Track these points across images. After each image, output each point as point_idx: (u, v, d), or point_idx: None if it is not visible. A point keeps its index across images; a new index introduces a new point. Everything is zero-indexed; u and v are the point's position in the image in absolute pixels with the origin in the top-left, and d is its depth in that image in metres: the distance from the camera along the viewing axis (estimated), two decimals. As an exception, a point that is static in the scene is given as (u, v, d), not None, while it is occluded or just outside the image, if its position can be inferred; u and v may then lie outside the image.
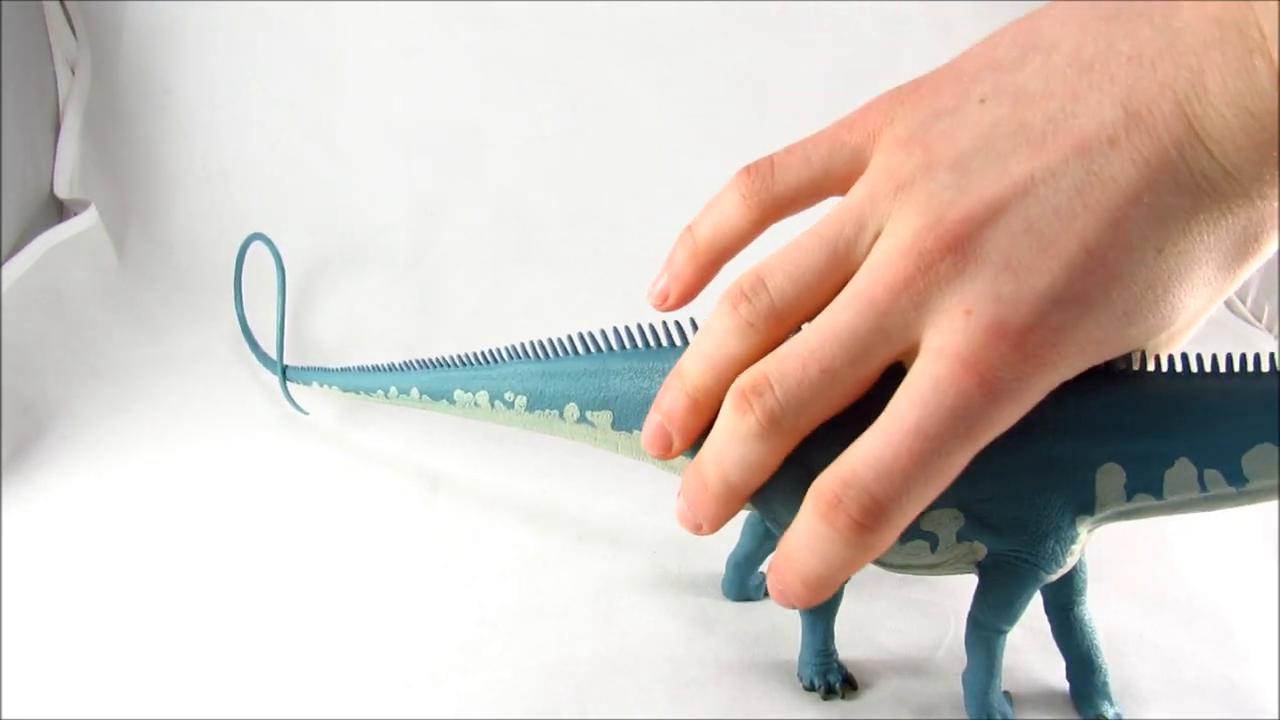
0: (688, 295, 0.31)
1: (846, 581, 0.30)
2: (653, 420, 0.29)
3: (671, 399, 0.29)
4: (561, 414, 0.34)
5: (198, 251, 0.64)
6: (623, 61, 0.68)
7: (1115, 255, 0.23)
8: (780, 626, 0.36)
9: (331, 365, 0.46)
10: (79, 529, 0.43)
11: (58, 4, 0.64)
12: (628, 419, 0.33)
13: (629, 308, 0.39)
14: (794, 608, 0.28)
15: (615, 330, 0.33)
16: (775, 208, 0.29)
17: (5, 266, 0.54)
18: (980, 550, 0.29)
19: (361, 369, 0.43)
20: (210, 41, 0.65)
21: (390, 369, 0.41)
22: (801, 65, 0.69)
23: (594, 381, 0.33)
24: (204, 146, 0.66)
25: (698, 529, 0.29)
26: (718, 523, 0.29)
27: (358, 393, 0.43)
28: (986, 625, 0.31)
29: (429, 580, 0.40)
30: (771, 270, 0.27)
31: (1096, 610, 0.32)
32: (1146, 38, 0.23)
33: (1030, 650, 0.35)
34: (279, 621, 0.37)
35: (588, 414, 0.34)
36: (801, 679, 0.34)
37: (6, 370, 0.51)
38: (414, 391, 0.39)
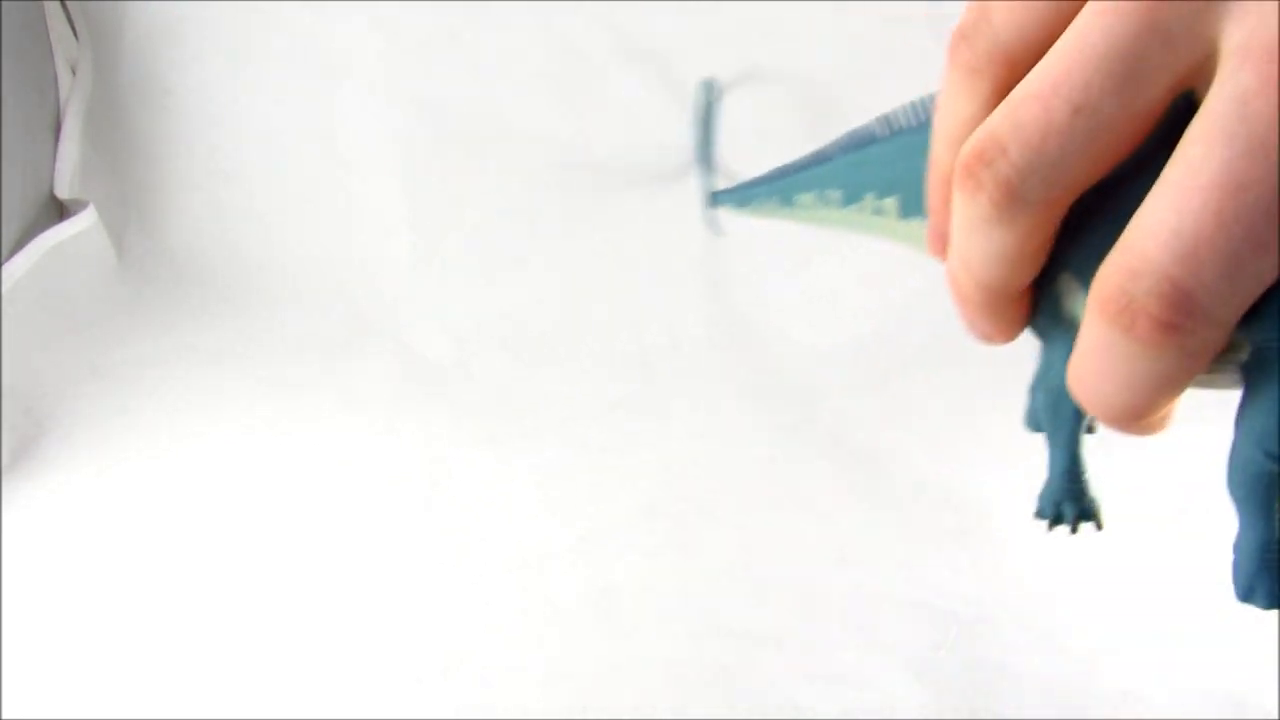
0: None
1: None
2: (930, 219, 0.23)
3: (932, 188, 0.23)
4: (862, 206, 0.29)
5: (198, 251, 0.64)
6: (623, 62, 0.68)
7: None
8: (783, 628, 0.36)
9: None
10: (79, 527, 0.43)
11: (58, 4, 0.64)
12: (910, 204, 0.27)
13: (630, 307, 0.39)
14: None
15: (912, 105, 0.26)
16: (1008, 66, 0.20)
17: (5, 266, 0.54)
18: (1243, 346, 0.19)
19: (754, 181, 0.37)
20: (210, 42, 0.65)
21: (758, 181, 0.35)
22: (802, 65, 0.69)
23: (885, 166, 0.28)
24: (204, 147, 0.66)
25: (988, 339, 0.22)
26: (1001, 333, 0.22)
27: (744, 206, 0.39)
28: (1252, 454, 0.19)
29: (431, 580, 0.40)
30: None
31: (1098, 610, 0.32)
32: None
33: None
34: (277, 621, 0.37)
35: (884, 202, 0.28)
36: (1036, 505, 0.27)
37: (6, 370, 0.51)
38: (772, 201, 0.34)
